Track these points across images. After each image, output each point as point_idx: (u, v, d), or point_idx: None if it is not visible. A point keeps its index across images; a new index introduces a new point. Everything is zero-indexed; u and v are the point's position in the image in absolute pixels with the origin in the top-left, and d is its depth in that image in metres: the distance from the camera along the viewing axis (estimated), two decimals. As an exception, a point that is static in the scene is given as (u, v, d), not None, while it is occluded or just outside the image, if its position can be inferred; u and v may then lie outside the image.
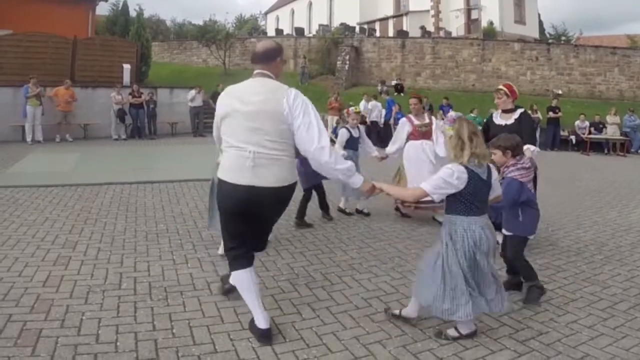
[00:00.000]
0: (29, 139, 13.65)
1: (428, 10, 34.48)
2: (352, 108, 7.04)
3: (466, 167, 3.03)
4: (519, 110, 5.42)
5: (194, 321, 3.43)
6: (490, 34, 28.17)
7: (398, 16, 35.72)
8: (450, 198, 3.11)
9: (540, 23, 38.25)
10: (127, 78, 17.15)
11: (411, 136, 6.51)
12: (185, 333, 3.25)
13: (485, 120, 6.29)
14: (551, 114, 17.20)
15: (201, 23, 28.93)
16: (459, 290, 3.09)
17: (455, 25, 33.58)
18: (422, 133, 6.46)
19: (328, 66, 26.38)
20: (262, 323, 3.16)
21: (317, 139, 3.03)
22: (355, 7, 37.55)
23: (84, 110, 15.30)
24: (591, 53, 22.95)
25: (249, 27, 44.95)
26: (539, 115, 17.24)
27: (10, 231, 5.42)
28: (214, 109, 13.23)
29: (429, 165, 6.24)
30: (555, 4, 59.40)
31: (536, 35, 34.39)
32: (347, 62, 25.00)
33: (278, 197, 3.12)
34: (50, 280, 4.05)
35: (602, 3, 71.92)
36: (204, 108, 17.50)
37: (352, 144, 6.62)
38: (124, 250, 4.90)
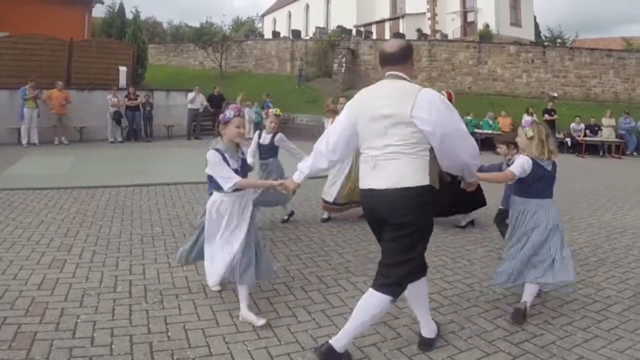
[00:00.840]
0: (24, 141, 13.62)
1: (424, 13, 34.55)
2: (272, 110, 6.11)
3: (532, 159, 3.72)
4: None
5: (189, 324, 3.43)
6: (486, 36, 28.24)
7: (394, 19, 35.79)
8: (517, 181, 3.77)
9: (536, 25, 38.37)
10: (123, 80, 17.12)
11: None
12: (181, 336, 3.26)
13: None
14: (547, 117, 17.23)
15: (198, 25, 28.95)
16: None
17: (452, 27, 33.66)
18: None
19: (325, 69, 26.38)
20: (425, 332, 3.21)
21: (468, 145, 2.90)
22: (352, 9, 37.60)
23: (79, 113, 15.28)
24: (586, 55, 23.02)
25: (246, 29, 44.98)
26: (535, 117, 17.28)
27: (5, 234, 5.41)
28: (210, 112, 13.32)
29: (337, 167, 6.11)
30: (551, 6, 59.72)
31: (532, 37, 34.50)
32: (344, 65, 25.04)
33: (396, 202, 2.79)
34: (45, 283, 4.05)
35: (598, 5, 72.28)
36: (201, 110, 17.46)
37: (265, 152, 5.92)
38: (119, 253, 4.90)
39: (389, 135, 2.82)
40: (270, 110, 6.10)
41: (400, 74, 2.95)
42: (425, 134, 2.78)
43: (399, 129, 2.80)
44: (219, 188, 3.53)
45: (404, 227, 2.81)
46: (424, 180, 2.80)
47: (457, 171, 3.09)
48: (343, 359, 2.95)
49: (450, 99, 5.73)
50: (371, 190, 2.87)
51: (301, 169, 3.26)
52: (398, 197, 2.79)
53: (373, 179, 2.86)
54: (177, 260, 4.05)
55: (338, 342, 2.92)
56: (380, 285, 2.90)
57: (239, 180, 3.49)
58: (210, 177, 3.57)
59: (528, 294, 3.71)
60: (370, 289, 2.94)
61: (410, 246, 2.86)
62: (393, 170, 2.80)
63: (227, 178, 3.47)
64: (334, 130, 3.11)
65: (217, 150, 3.55)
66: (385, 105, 2.84)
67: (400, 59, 2.97)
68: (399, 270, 2.88)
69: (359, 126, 2.97)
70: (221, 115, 3.66)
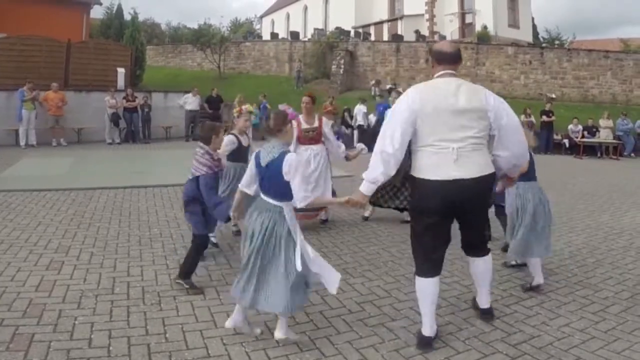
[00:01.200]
0: (22, 143, 13.60)
1: (423, 15, 34.59)
2: (246, 107, 5.57)
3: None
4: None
5: (187, 326, 3.43)
6: (484, 38, 28.26)
7: (393, 20, 35.82)
8: None
9: (534, 27, 38.43)
10: (121, 82, 17.09)
11: (298, 140, 5.92)
12: (178, 337, 3.26)
13: (377, 119, 6.52)
14: (545, 118, 17.26)
15: (196, 27, 28.95)
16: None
17: (450, 29, 33.69)
18: (309, 138, 5.99)
19: (323, 70, 26.37)
20: (429, 333, 3.22)
21: (522, 137, 3.32)
22: (350, 10, 37.61)
23: (77, 115, 15.26)
24: (584, 57, 23.04)
25: (244, 30, 44.97)
26: (533, 119, 17.28)
27: (3, 235, 5.40)
28: (209, 113, 13.19)
29: (312, 173, 5.82)
30: (549, 7, 59.83)
31: (530, 39, 34.55)
32: (342, 66, 25.03)
33: (481, 188, 3.14)
34: (43, 285, 4.05)
35: (595, 6, 72.50)
36: (199, 112, 17.43)
37: (239, 156, 5.29)
38: (117, 255, 4.90)
39: (469, 128, 3.06)
40: (244, 107, 5.58)
41: (455, 72, 3.21)
42: (493, 126, 3.14)
43: (477, 122, 3.09)
44: (289, 199, 3.20)
45: (486, 205, 3.41)
46: (493, 167, 3.21)
47: (507, 164, 3.36)
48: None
49: None
50: (457, 181, 3.03)
51: (372, 179, 3.16)
52: (483, 184, 3.13)
53: (456, 169, 3.03)
54: (243, 302, 3.24)
55: (483, 301, 3.57)
56: (486, 249, 3.54)
57: (315, 197, 3.27)
58: (286, 187, 3.15)
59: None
60: (476, 258, 3.50)
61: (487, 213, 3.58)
62: (477, 160, 3.08)
63: (309, 195, 3.17)
64: (396, 127, 3.10)
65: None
66: (464, 100, 3.07)
67: (457, 59, 3.24)
68: (488, 232, 3.56)
69: (428, 120, 3.07)
70: (290, 112, 3.41)
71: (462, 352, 3.19)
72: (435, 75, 3.20)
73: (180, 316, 3.58)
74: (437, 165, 3.05)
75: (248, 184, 3.45)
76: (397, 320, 3.64)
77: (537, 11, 44.34)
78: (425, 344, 3.20)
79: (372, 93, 21.83)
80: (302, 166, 3.18)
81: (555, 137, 17.62)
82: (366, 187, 3.19)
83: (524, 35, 33.92)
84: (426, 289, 3.20)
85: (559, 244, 5.74)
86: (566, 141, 17.44)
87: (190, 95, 17.20)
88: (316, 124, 6.05)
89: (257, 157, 3.28)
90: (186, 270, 4.11)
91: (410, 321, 3.61)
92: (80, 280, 4.20)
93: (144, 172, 10.23)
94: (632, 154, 17.14)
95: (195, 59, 29.84)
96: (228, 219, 4.02)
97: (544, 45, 32.04)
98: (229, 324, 3.29)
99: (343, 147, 6.27)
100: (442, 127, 3.05)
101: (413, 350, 3.20)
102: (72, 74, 16.62)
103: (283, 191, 3.17)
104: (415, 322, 3.58)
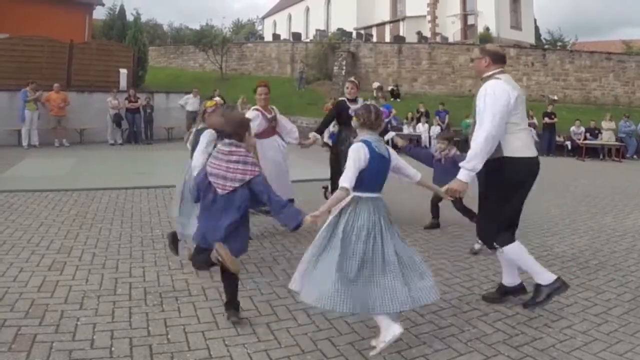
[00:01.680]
0: (25, 143, 13.64)
1: (425, 16, 34.58)
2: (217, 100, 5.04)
3: None
4: (361, 100, 6.39)
5: (189, 327, 3.43)
6: (486, 39, 28.19)
7: (395, 21, 35.81)
8: None
9: (537, 29, 38.44)
10: (123, 83, 17.15)
11: (263, 133, 5.69)
12: (180, 339, 3.26)
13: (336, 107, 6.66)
14: (547, 120, 17.27)
15: (198, 27, 29.04)
16: None
17: (452, 30, 33.69)
18: (272, 128, 5.89)
19: (325, 71, 26.40)
20: (550, 278, 3.64)
21: None
22: (352, 12, 37.62)
23: (79, 115, 15.32)
24: (586, 59, 23.04)
25: (246, 32, 45.05)
26: (535, 121, 17.30)
27: (5, 236, 5.41)
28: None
29: (281, 164, 5.84)
30: (551, 9, 59.81)
31: (532, 40, 34.55)
32: (344, 68, 25.03)
33: None
34: (45, 286, 4.05)
35: (598, 8, 72.45)
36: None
37: None
38: (119, 256, 4.90)
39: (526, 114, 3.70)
40: (209, 102, 4.88)
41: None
42: None
43: None
44: None
45: None
46: None
47: None
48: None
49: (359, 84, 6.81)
50: (538, 157, 3.69)
51: (473, 167, 3.53)
52: None
53: (535, 148, 3.72)
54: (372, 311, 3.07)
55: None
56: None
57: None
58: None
59: None
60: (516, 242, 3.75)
61: None
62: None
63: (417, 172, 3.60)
64: (500, 114, 3.46)
65: None
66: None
67: (505, 60, 3.84)
68: None
69: (519, 108, 3.59)
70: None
71: (464, 354, 3.18)
72: (496, 71, 3.66)
73: (182, 317, 3.58)
74: (528, 145, 3.63)
75: (353, 181, 3.08)
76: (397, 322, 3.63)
77: (539, 13, 44.41)
78: (562, 283, 3.63)
79: (374, 95, 21.85)
80: None
81: (557, 139, 17.62)
82: (466, 175, 3.57)
83: (526, 36, 33.91)
84: (520, 248, 3.69)
85: (561, 247, 5.74)
86: (568, 143, 17.43)
87: (190, 96, 17.19)
88: (273, 113, 5.96)
89: (375, 151, 3.12)
90: (235, 300, 3.55)
91: (411, 323, 3.61)
92: (82, 281, 4.21)
93: (146, 172, 10.25)
94: (635, 156, 17.13)
95: (197, 59, 29.91)
96: (298, 226, 3.34)
97: (546, 46, 32.03)
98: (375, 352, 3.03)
99: (297, 132, 6.26)
100: (524, 114, 3.71)
101: (415, 351, 3.20)
102: (74, 74, 16.68)
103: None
104: (416, 324, 3.58)
